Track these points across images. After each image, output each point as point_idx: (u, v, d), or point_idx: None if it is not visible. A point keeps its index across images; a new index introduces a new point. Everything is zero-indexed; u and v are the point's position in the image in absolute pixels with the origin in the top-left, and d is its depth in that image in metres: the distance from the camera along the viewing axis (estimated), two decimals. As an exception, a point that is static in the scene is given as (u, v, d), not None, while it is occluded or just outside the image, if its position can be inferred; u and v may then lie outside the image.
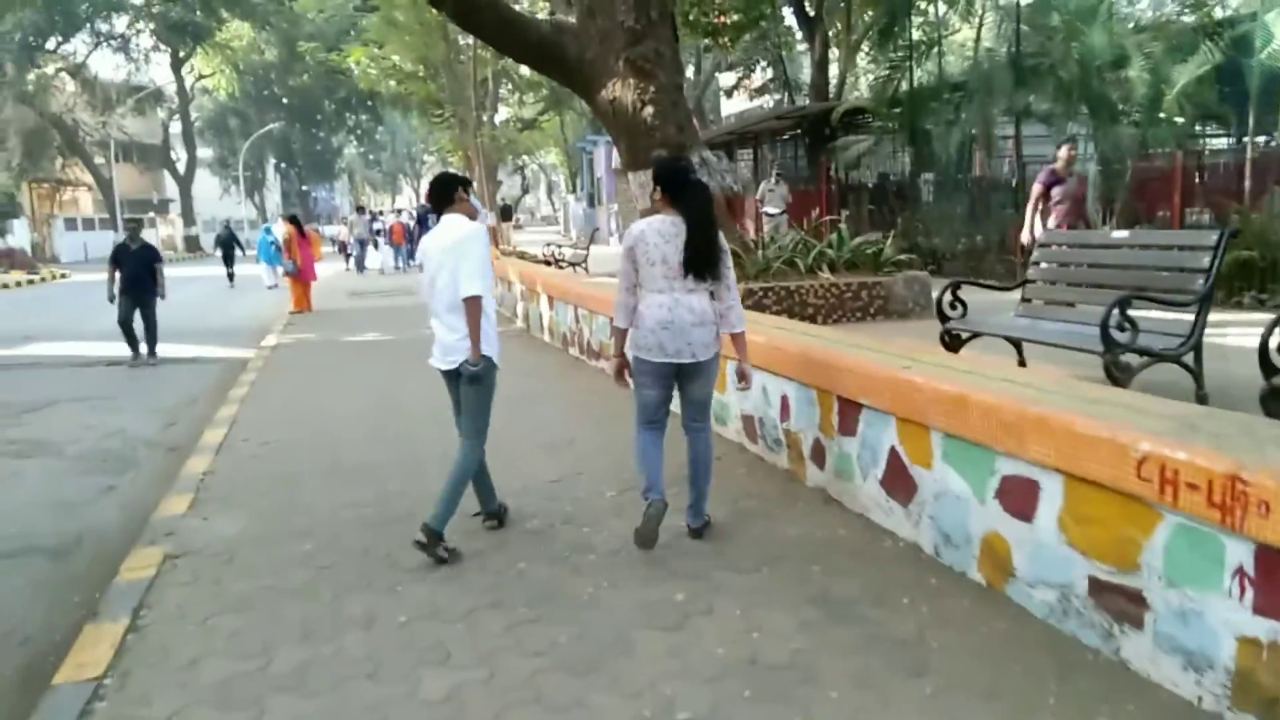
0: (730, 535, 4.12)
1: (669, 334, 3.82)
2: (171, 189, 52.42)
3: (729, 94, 24.80)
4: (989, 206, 13.99)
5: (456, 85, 30.51)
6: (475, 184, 34.02)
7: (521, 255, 23.13)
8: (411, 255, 25.26)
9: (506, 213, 28.79)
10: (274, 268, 19.97)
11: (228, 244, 23.80)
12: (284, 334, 13.12)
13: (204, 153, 58.42)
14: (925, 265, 11.76)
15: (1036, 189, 9.02)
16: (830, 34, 20.29)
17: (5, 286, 26.51)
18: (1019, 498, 3.22)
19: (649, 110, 9.68)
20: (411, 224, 26.81)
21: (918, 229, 14.36)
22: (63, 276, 31.29)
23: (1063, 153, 8.95)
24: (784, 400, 4.94)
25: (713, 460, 4.12)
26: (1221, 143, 14.14)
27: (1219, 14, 12.44)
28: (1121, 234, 6.57)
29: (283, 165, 62.08)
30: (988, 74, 13.41)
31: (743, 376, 4.08)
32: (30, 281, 28.52)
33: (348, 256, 27.39)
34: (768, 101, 26.10)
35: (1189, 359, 5.23)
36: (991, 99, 13.18)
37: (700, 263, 3.79)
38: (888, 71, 15.11)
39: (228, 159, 53.74)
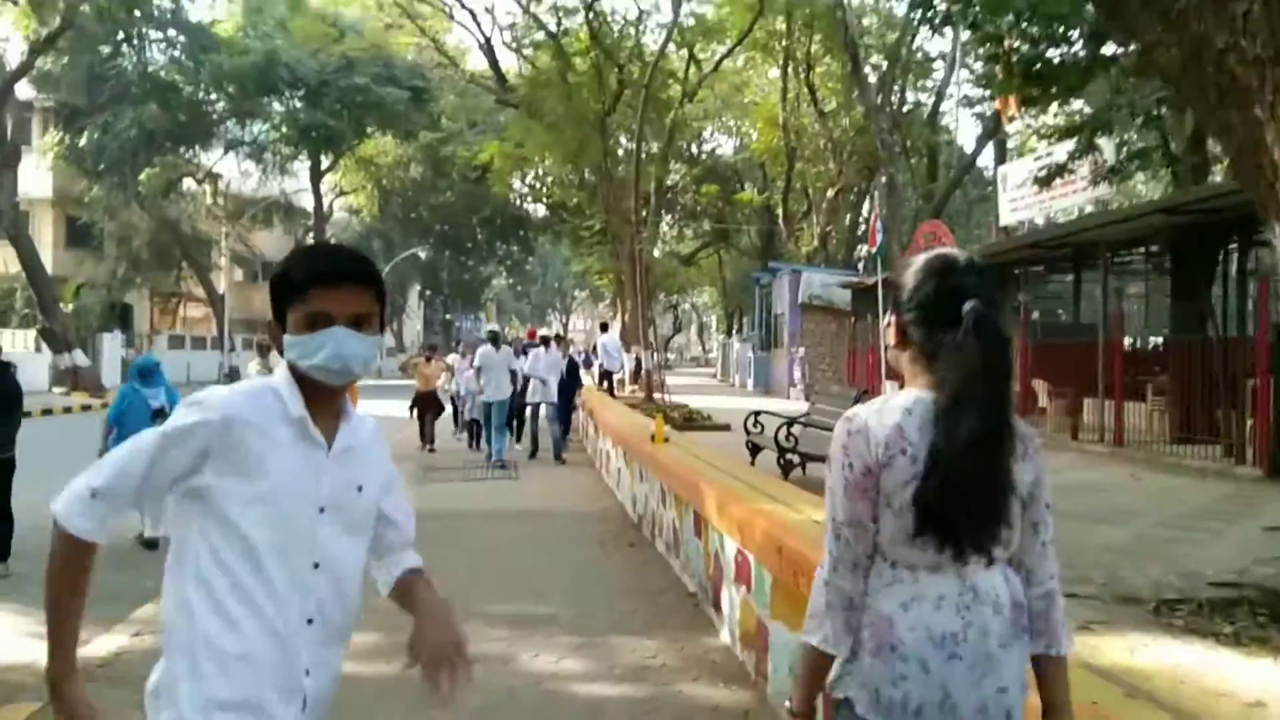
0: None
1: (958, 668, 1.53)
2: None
3: (1045, 184, 15.01)
4: None
5: (613, 193, 24.56)
6: (628, 312, 27.41)
7: (688, 418, 15.14)
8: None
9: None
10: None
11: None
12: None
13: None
14: None
15: None
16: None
17: (48, 412, 21.60)
18: None
19: None
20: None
21: None
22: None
23: None
24: None
25: None
26: None
27: None
28: None
29: (427, 292, 58.52)
30: None
31: None
32: (86, 407, 23.57)
33: (455, 413, 15.68)
34: (1090, 196, 16.51)
35: None
36: None
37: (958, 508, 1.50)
38: None
39: (368, 283, 50.32)
